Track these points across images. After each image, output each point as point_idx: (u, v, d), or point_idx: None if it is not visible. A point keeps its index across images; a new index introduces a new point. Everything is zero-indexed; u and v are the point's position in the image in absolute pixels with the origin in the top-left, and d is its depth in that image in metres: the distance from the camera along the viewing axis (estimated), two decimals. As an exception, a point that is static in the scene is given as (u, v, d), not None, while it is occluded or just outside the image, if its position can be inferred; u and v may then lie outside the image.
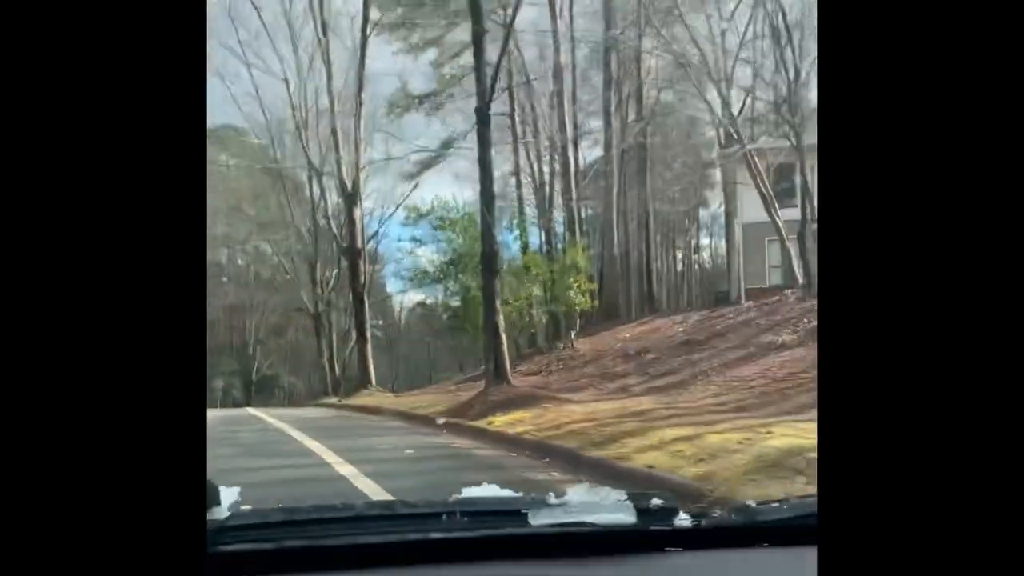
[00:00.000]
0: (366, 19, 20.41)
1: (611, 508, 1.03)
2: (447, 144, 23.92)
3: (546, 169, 22.71)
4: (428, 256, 19.72)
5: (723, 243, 27.94)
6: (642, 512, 1.04)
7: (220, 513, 0.95)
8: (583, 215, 23.37)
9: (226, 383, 45.78)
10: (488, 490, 1.12)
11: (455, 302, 18.63)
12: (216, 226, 40.74)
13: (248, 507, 1.01)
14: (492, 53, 12.70)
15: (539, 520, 1.02)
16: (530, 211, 23.18)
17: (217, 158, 36.96)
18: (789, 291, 15.54)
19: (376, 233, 26.22)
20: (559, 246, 21.80)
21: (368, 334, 20.55)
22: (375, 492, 5.13)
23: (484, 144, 10.63)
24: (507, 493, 1.11)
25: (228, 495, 0.97)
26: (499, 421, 8.41)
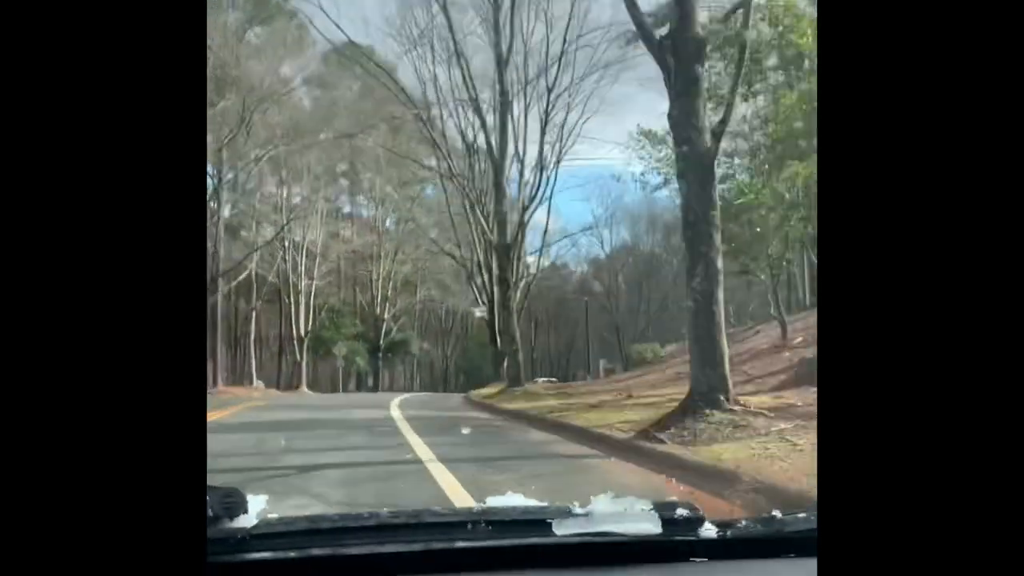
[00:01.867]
0: None
1: (636, 518, 1.24)
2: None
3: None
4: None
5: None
6: (667, 522, 1.24)
7: (247, 521, 1.22)
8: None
9: (350, 349, 45.13)
10: (513, 499, 1.35)
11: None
12: (335, 159, 42.76)
13: (275, 516, 1.26)
14: None
15: (564, 530, 1.24)
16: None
17: (338, 84, 38.76)
18: None
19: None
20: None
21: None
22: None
23: None
24: (532, 503, 1.34)
25: (255, 504, 1.24)
26: None
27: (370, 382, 53.48)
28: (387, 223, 50.87)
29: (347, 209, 53.44)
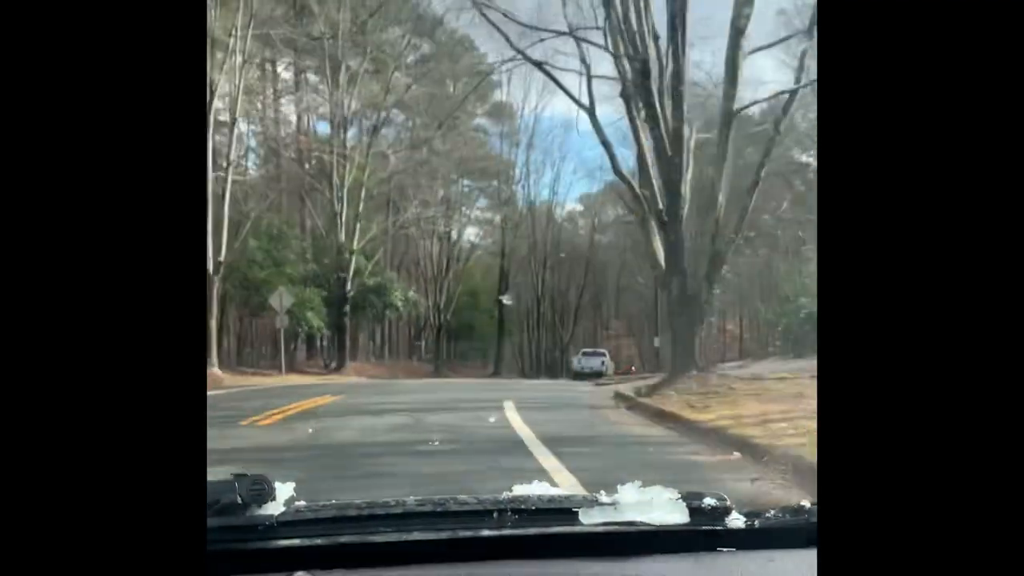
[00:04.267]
0: None
1: (663, 507, 1.74)
2: None
3: None
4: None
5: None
6: (694, 512, 1.75)
7: (275, 508, 1.70)
8: None
9: (298, 300, 39.59)
10: (539, 488, 1.85)
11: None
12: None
13: (302, 503, 1.75)
14: None
15: (590, 519, 1.74)
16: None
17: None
18: None
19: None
20: None
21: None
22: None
23: None
24: (558, 491, 1.84)
25: (283, 491, 1.74)
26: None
27: (318, 346, 47.73)
28: (354, 96, 45.13)
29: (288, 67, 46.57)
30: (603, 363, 50.28)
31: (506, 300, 58.10)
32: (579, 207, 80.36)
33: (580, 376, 47.05)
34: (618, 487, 1.86)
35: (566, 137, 69.69)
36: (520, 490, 1.94)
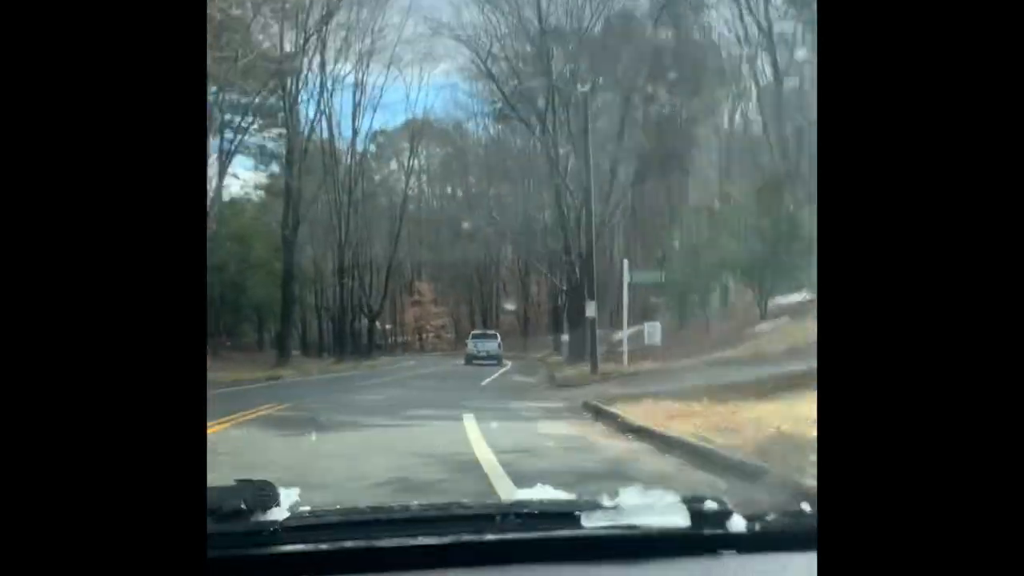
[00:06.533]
0: None
1: (664, 511, 1.97)
2: None
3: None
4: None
5: None
6: (696, 515, 1.97)
7: (279, 514, 1.89)
8: None
9: None
10: (541, 492, 2.06)
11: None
12: None
13: (306, 508, 1.94)
14: None
15: (592, 523, 1.97)
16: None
17: None
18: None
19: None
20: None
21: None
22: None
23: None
24: (560, 495, 2.05)
25: (287, 496, 1.92)
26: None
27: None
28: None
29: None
30: (498, 346, 53.68)
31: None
32: (394, 131, 69.35)
33: (475, 360, 49.64)
34: (620, 491, 2.09)
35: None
36: (523, 494, 2.17)
